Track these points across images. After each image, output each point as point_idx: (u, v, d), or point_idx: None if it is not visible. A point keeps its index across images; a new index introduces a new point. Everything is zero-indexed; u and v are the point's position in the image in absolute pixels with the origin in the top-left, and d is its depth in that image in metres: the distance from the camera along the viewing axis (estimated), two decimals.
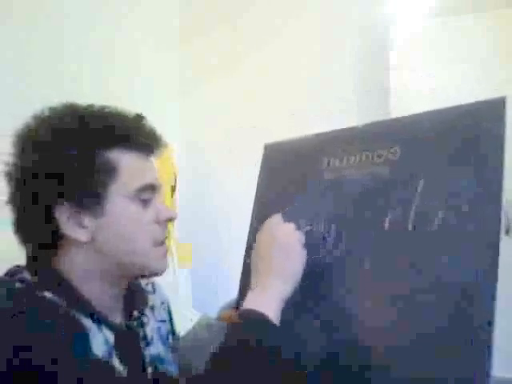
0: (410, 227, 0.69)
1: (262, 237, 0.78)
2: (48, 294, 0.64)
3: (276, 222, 0.78)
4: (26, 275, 0.67)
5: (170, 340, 0.86)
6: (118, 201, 0.69)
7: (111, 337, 0.68)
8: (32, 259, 0.71)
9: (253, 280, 0.75)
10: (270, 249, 0.75)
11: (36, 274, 0.67)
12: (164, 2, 2.26)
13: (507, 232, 2.60)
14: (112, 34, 1.88)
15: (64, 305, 0.64)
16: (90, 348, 0.62)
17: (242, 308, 0.71)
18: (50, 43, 1.58)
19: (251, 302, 0.71)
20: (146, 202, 0.71)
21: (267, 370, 0.64)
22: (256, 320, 0.68)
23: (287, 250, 0.74)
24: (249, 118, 2.16)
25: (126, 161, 0.69)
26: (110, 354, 0.67)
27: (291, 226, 0.77)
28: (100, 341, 0.66)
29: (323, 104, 2.03)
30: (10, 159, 0.69)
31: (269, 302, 0.70)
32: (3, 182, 0.70)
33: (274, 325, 0.68)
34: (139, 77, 2.04)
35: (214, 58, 2.26)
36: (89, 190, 0.67)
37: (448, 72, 2.75)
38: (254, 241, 0.78)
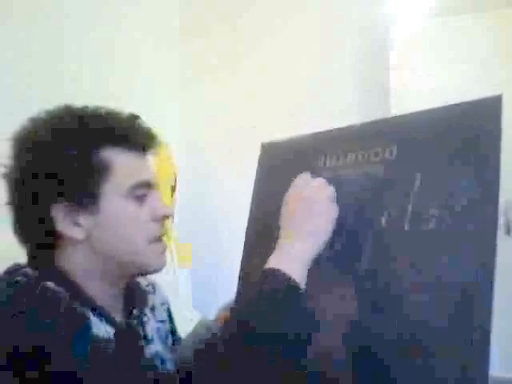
0: (406, 227, 0.69)
1: (289, 193, 0.74)
2: (51, 285, 0.64)
3: (304, 177, 0.74)
4: (29, 270, 0.67)
5: (170, 340, 0.86)
6: (113, 199, 0.69)
7: (111, 332, 0.68)
8: (32, 258, 0.71)
9: (278, 240, 0.71)
10: (294, 206, 0.71)
11: (38, 271, 0.68)
12: (164, 2, 2.26)
13: (508, 232, 2.60)
14: (112, 34, 1.88)
15: (67, 296, 0.64)
16: (91, 334, 0.62)
17: (263, 268, 0.68)
18: (49, 43, 1.58)
19: (272, 262, 0.68)
20: (141, 199, 0.71)
21: (290, 330, 0.63)
22: (279, 280, 0.66)
23: (312, 205, 0.70)
24: (249, 118, 2.16)
25: (120, 160, 0.70)
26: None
27: (321, 180, 0.73)
28: (102, 330, 0.66)
29: (323, 104, 2.03)
30: (8, 160, 0.69)
31: (291, 262, 0.67)
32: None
33: (297, 284, 0.66)
34: (139, 77, 2.03)
35: (214, 57, 2.26)
36: (84, 189, 0.68)
37: (448, 72, 2.75)
38: (251, 242, 0.78)
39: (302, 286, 0.66)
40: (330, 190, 0.72)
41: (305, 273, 0.68)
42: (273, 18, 2.16)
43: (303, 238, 0.69)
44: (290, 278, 0.65)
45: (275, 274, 0.66)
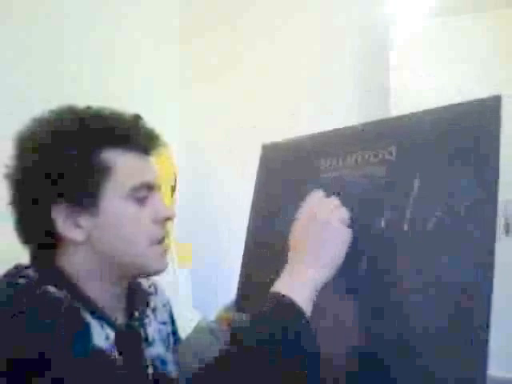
0: (405, 227, 0.69)
1: (301, 214, 0.71)
2: (51, 289, 0.64)
3: (317, 197, 0.71)
4: (30, 272, 0.67)
5: (171, 341, 0.86)
6: (114, 200, 0.69)
7: (112, 335, 0.69)
8: (34, 259, 0.71)
9: (288, 263, 0.70)
10: (307, 228, 0.69)
11: (39, 272, 0.68)
12: (164, 2, 2.26)
13: (507, 232, 2.60)
14: (112, 34, 1.88)
15: (68, 298, 0.64)
16: (91, 341, 0.62)
17: (270, 291, 0.67)
18: (49, 43, 1.58)
19: (280, 287, 0.66)
20: (142, 201, 0.71)
21: (291, 358, 0.61)
22: (284, 306, 0.64)
23: (326, 230, 0.67)
24: (249, 118, 2.16)
25: (121, 161, 0.70)
26: (111, 351, 0.67)
27: (334, 201, 0.71)
28: (102, 337, 0.67)
29: (323, 104, 2.03)
30: (11, 160, 0.69)
31: (299, 288, 0.65)
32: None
33: (303, 312, 0.64)
34: (139, 77, 2.04)
35: (214, 58, 2.26)
36: (84, 190, 0.67)
37: (448, 72, 2.75)
38: (252, 243, 0.77)
39: (309, 313, 0.65)
40: (344, 212, 0.70)
41: (313, 298, 0.66)
42: (273, 18, 2.17)
43: (317, 264, 0.67)
44: (297, 308, 0.64)
45: (283, 300, 0.64)
